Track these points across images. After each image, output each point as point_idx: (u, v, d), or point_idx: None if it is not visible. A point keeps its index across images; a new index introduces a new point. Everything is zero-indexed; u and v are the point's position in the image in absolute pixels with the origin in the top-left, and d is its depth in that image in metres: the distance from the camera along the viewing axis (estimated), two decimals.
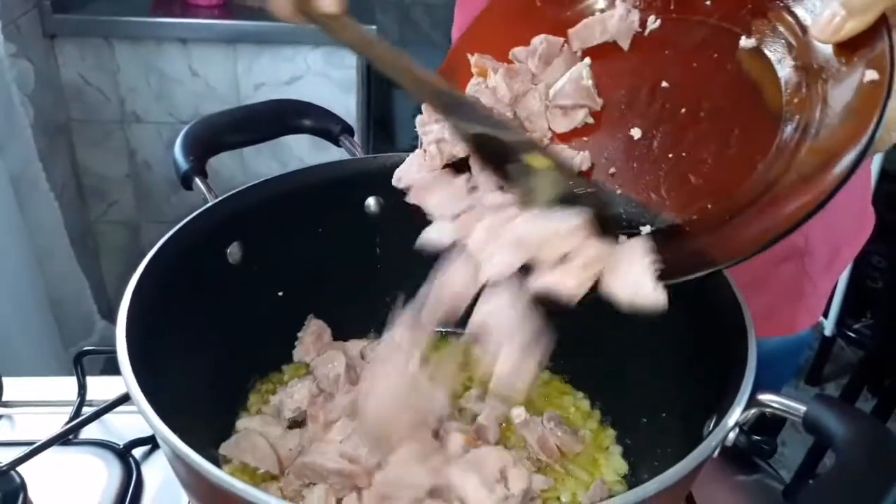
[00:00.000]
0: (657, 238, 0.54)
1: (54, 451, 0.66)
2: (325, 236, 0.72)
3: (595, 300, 0.71)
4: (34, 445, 0.64)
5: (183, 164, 0.70)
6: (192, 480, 0.47)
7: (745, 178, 0.52)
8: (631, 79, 0.62)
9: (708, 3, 0.59)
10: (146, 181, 2.03)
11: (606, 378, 0.73)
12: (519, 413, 0.68)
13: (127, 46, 1.83)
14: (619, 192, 0.59)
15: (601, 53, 0.63)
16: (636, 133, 0.59)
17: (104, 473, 0.66)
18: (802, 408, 0.45)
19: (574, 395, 0.75)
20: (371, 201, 0.74)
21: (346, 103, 1.91)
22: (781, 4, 0.54)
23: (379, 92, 3.22)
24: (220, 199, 0.66)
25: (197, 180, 0.69)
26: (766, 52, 0.55)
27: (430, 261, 0.78)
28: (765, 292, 0.84)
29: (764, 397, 0.46)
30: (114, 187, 2.04)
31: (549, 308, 0.54)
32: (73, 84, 1.87)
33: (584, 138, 0.62)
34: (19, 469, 0.63)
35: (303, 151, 1.89)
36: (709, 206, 0.54)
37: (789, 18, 0.53)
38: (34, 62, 1.69)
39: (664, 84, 0.60)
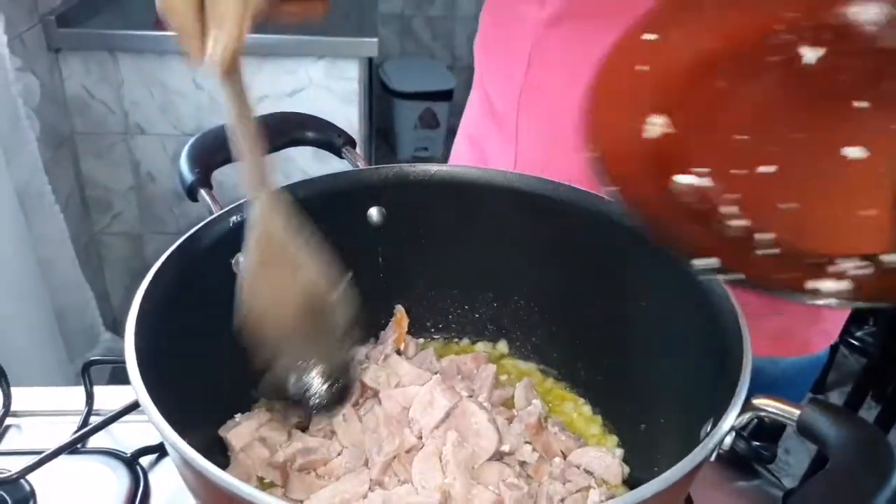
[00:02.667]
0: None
1: (63, 460, 0.67)
2: (328, 246, 0.73)
3: (596, 310, 0.72)
4: (43, 454, 0.65)
5: (188, 175, 0.71)
6: (201, 486, 0.48)
7: None
8: (801, 114, 0.59)
9: (872, 28, 0.57)
10: (150, 193, 2.04)
11: (607, 385, 0.74)
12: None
13: (131, 60, 1.85)
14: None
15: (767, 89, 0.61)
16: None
17: (112, 481, 0.67)
18: (797, 412, 0.46)
19: (576, 401, 0.76)
20: (374, 212, 0.75)
21: (347, 115, 1.92)
22: None
23: (381, 103, 3.24)
24: (225, 209, 0.67)
25: (202, 192, 0.70)
26: None
27: (431, 271, 0.79)
28: (781, 313, 0.84)
29: (759, 401, 0.47)
30: (118, 199, 2.05)
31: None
32: (77, 97, 1.89)
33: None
34: (29, 477, 0.64)
35: (305, 163, 1.90)
36: None
37: None
38: (39, 76, 1.70)
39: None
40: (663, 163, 0.55)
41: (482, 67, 0.94)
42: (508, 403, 0.72)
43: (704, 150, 0.57)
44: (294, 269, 0.57)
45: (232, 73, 0.52)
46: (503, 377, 0.76)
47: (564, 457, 0.67)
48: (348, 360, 0.60)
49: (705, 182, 0.53)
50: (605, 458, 0.65)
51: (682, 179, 0.53)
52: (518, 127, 0.86)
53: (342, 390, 0.60)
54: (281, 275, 0.57)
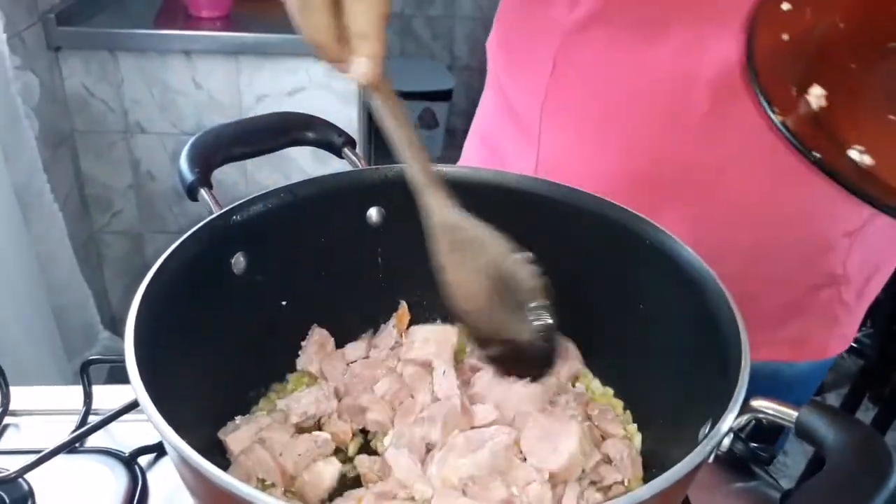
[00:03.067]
0: None
1: (61, 459, 0.67)
2: (328, 246, 0.73)
3: (595, 312, 0.72)
4: (42, 453, 0.65)
5: (189, 175, 0.71)
6: (199, 486, 0.48)
7: None
8: None
9: None
10: (149, 191, 2.04)
11: (606, 386, 0.74)
12: None
13: (131, 58, 1.85)
14: None
15: None
16: None
17: (110, 481, 0.67)
18: (794, 413, 0.46)
19: None
20: (373, 212, 0.75)
21: (347, 115, 1.92)
22: None
23: None
24: (225, 209, 0.67)
25: (203, 191, 0.70)
26: None
27: (430, 271, 0.79)
28: (801, 319, 0.85)
29: (757, 403, 0.47)
30: (117, 197, 2.05)
31: None
32: (77, 96, 1.89)
33: None
34: (27, 476, 0.64)
35: (305, 163, 1.91)
36: None
37: None
38: (39, 74, 1.70)
39: None
40: (833, 135, 0.54)
41: (500, 68, 0.91)
42: None
43: (861, 126, 0.56)
44: (476, 247, 0.60)
45: (380, 83, 0.53)
46: None
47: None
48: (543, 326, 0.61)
49: (868, 160, 0.53)
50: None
51: (852, 154, 0.52)
52: (541, 129, 0.84)
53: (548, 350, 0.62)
54: (466, 256, 0.61)
